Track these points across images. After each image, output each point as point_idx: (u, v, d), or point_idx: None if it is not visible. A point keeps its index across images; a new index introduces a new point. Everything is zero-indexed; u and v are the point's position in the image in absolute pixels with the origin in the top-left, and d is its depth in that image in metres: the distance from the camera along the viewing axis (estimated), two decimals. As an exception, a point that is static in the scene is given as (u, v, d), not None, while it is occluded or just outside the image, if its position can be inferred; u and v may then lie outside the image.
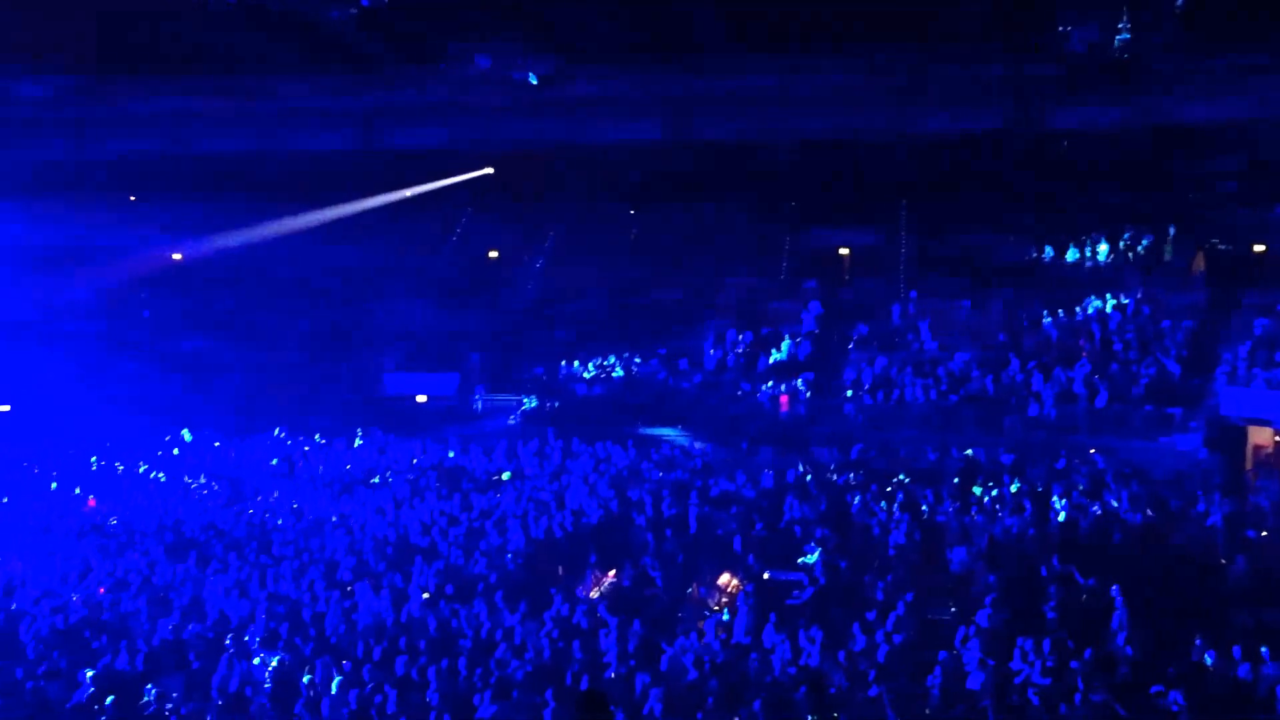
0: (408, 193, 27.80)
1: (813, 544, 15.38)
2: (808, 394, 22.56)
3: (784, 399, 22.40)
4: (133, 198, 29.38)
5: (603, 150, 25.68)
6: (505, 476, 19.60)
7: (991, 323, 24.06)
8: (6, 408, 25.22)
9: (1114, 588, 12.81)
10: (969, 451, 19.20)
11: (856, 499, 16.99)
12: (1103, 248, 26.17)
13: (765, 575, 14.84)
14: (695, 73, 21.42)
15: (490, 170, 27.70)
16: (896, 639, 12.28)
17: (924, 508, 16.61)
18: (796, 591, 14.20)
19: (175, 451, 22.70)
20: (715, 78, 21.51)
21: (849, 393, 22.47)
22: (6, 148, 25.80)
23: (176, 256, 28.05)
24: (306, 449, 22.17)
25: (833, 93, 21.44)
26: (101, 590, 14.92)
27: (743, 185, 26.51)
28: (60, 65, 21.92)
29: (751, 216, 28.09)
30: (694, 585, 14.90)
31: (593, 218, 29.23)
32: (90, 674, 12.33)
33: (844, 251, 28.42)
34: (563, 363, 25.12)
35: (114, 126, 28.21)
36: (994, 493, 17.14)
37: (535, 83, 21.26)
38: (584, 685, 11.35)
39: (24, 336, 26.82)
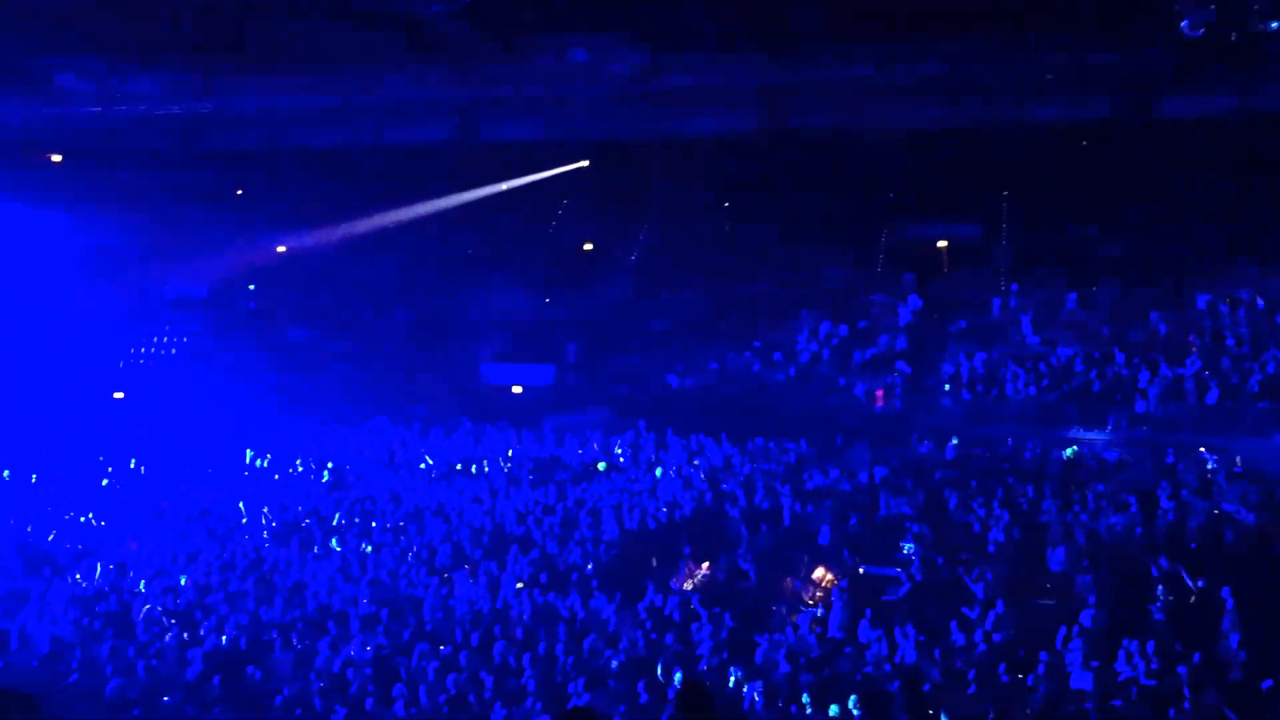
0: (504, 186, 28.11)
1: (909, 539, 15.20)
2: (904, 388, 22.23)
3: (879, 393, 22.11)
4: (239, 191, 30.20)
5: (698, 142, 25.65)
6: (601, 467, 19.68)
7: (1096, 317, 23.42)
8: (121, 395, 26.16)
9: (1224, 589, 12.42)
10: (1072, 448, 18.75)
11: (954, 495, 16.70)
12: (1214, 239, 25.28)
13: (860, 570, 14.72)
14: (791, 63, 21.17)
15: (585, 163, 27.87)
16: (996, 637, 12.08)
17: (1024, 504, 16.28)
18: (893, 587, 14.05)
19: (280, 439, 23.23)
20: (812, 68, 21.24)
21: (947, 387, 22.10)
22: (120, 141, 26.73)
23: (281, 249, 28.73)
24: (406, 438, 22.54)
25: (934, 82, 21.02)
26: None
27: (839, 177, 26.21)
28: (171, 63, 22.57)
29: (848, 209, 27.72)
30: (787, 579, 14.83)
31: (687, 210, 29.18)
32: (199, 653, 12.76)
33: (942, 244, 27.93)
34: (657, 355, 25.13)
35: (221, 122, 29.05)
36: (1098, 490, 16.70)
37: (631, 75, 21.29)
38: (676, 677, 11.40)
39: (137, 327, 27.79)
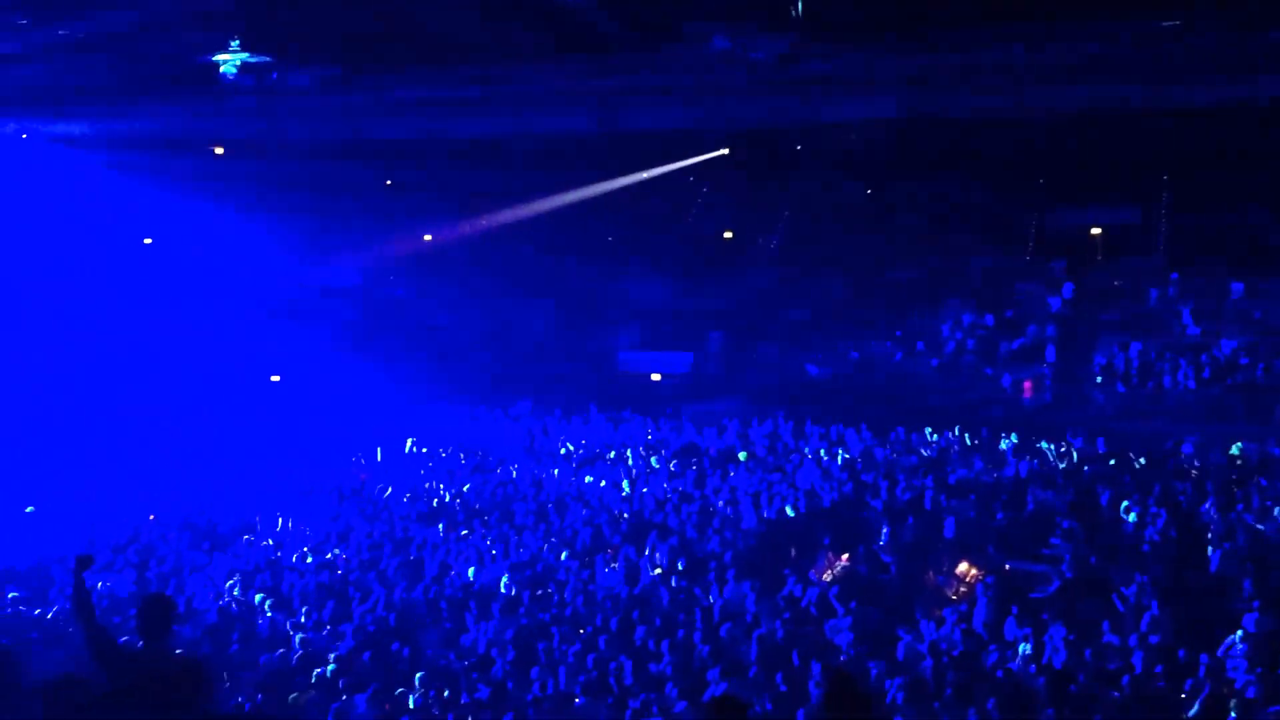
0: (644, 175, 28.23)
1: (1058, 536, 14.74)
2: (1054, 380, 21.55)
3: (1028, 385, 21.49)
4: (388, 181, 31.04)
5: (839, 128, 25.29)
6: (743, 457, 19.63)
7: (1263, 307, 22.26)
8: (278, 378, 27.26)
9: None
10: (1237, 445, 17.89)
11: (1107, 491, 16.11)
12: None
13: (1006, 566, 14.34)
14: (935, 46, 20.66)
15: (725, 151, 27.77)
16: (1152, 640, 11.62)
17: (1182, 502, 15.60)
18: (1041, 584, 13.65)
19: (426, 423, 23.87)
20: (956, 51, 20.68)
21: (1099, 379, 21.33)
22: (280, 132, 27.75)
23: (428, 238, 29.45)
24: (546, 423, 22.91)
25: (1088, 63, 20.24)
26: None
27: (986, 162, 25.51)
28: (328, 56, 23.30)
29: (995, 195, 26.99)
30: (930, 573, 14.54)
31: (829, 197, 28.83)
32: (350, 629, 13.23)
33: (1096, 231, 26.94)
34: (796, 343, 24.94)
35: (373, 113, 29.84)
36: (1263, 488, 15.88)
37: (771, 62, 21.09)
38: (815, 668, 11.30)
39: (292, 314, 28.86)
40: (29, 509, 18.33)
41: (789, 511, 16.40)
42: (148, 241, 29.20)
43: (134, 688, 5.66)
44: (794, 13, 19.58)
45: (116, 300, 27.51)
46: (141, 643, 6.02)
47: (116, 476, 20.38)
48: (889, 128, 23.92)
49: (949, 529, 15.20)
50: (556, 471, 19.80)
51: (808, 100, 22.80)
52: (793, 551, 15.39)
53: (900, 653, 11.72)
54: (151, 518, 17.34)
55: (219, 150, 31.01)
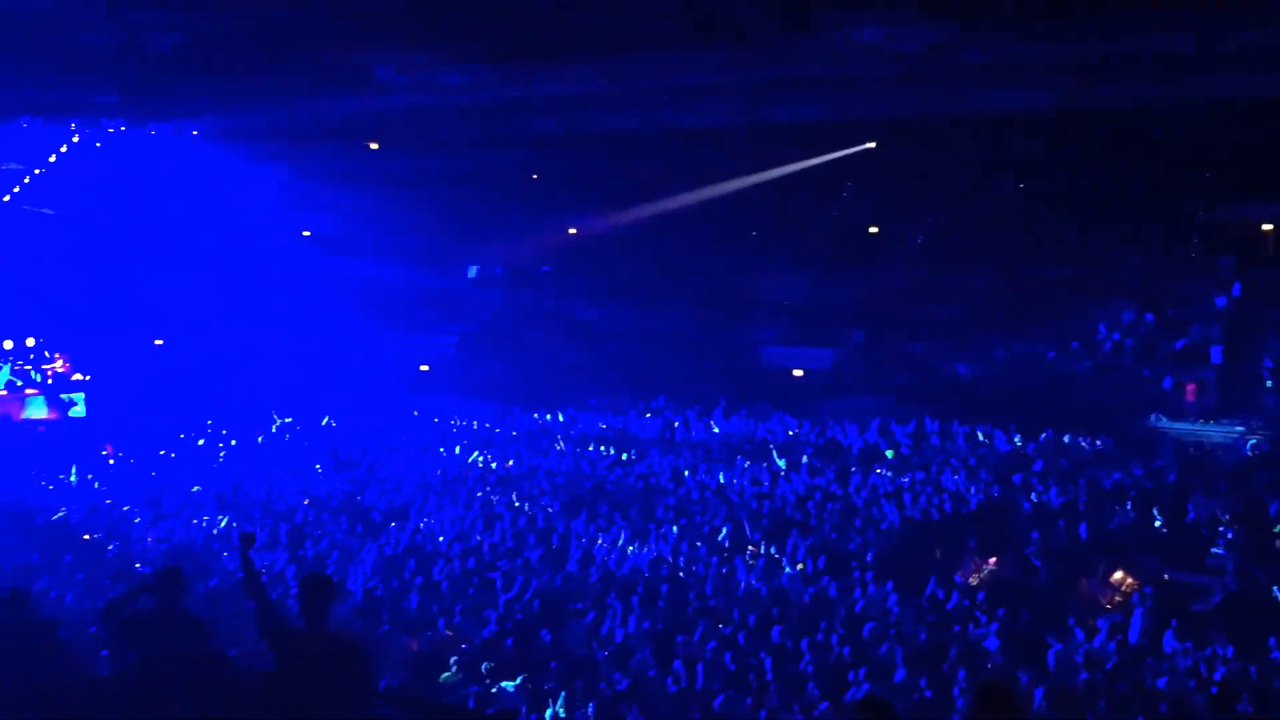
0: (790, 168, 27.97)
1: (1221, 546, 14.07)
2: (1219, 383, 20.56)
3: (1191, 387, 20.55)
4: (535, 175, 31.52)
5: (991, 120, 24.58)
6: (890, 454, 19.32)
7: None
8: (426, 367, 28.02)
9: None
10: None
11: (1275, 501, 15.30)
12: None
13: (1165, 576, 13.75)
14: (1096, 34, 19.88)
15: (872, 145, 27.31)
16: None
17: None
18: (1203, 596, 13.05)
19: (570, 413, 24.19)
20: (1119, 39, 19.87)
21: (1269, 383, 20.26)
22: (435, 130, 28.49)
23: (573, 231, 29.80)
24: (687, 417, 22.95)
25: (1259, 50, 19.20)
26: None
27: (1147, 154, 24.45)
28: (479, 56, 23.76)
29: (1155, 189, 25.85)
30: (1083, 580, 14.05)
31: (979, 191, 28.07)
32: (494, 614, 13.48)
33: (1267, 227, 25.57)
34: (943, 341, 24.39)
35: (522, 110, 30.31)
36: None
37: (922, 53, 20.62)
38: (961, 675, 11.04)
39: (443, 306, 29.61)
40: (195, 489, 19.26)
41: (933, 512, 16.07)
42: (306, 234, 30.31)
43: (298, 665, 5.87)
44: (948, 2, 19.13)
45: (276, 291, 28.68)
46: (303, 621, 6.23)
47: (270, 460, 21.26)
48: (1044, 119, 23.13)
49: (1103, 535, 14.66)
50: (697, 466, 19.81)
51: (960, 92, 22.25)
52: (937, 553, 15.08)
53: (1051, 661, 11.35)
54: (306, 501, 17.95)
55: (374, 145, 31.99)
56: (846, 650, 12.04)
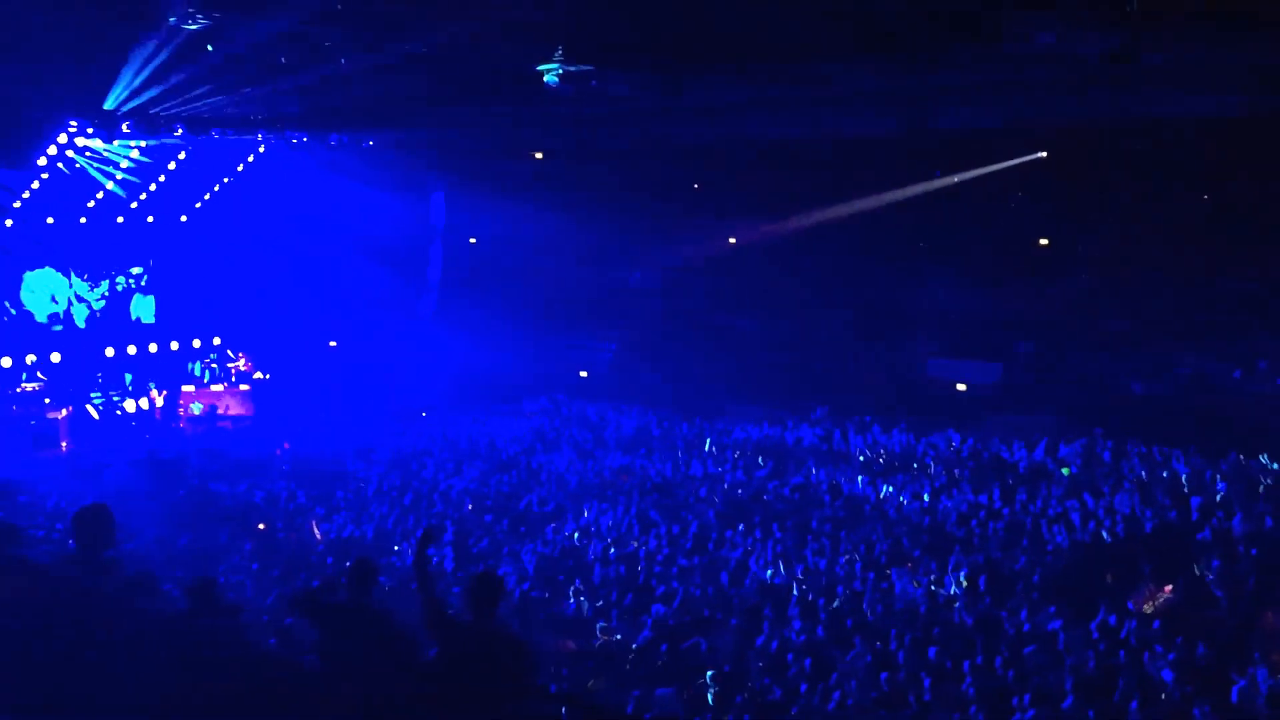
0: (955, 178, 27.34)
1: None
2: None
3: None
4: (695, 185, 31.63)
5: (1173, 127, 23.48)
6: (1066, 472, 18.66)
7: None
8: (585, 374, 28.43)
9: None
10: None
11: None
12: None
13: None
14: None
15: (1043, 154, 26.44)
16: None
17: None
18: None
19: (725, 423, 24.15)
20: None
21: None
22: (598, 138, 28.91)
23: (732, 240, 29.77)
24: (845, 429, 22.64)
25: None
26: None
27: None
28: (643, 65, 23.99)
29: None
30: (1269, 614, 13.25)
31: (1158, 201, 26.84)
32: (649, 620, 13.56)
33: None
34: (1117, 357, 23.41)
35: (683, 118, 30.46)
36: None
37: (1101, 58, 19.84)
38: (1133, 706, 10.57)
39: (600, 312, 29.98)
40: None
41: (1105, 535, 15.43)
42: (472, 241, 31.13)
43: (463, 659, 6.03)
44: (1129, 6, 18.35)
45: (446, 298, 29.58)
46: (469, 617, 6.39)
47: (433, 459, 21.87)
48: (1230, 124, 21.98)
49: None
50: (856, 479, 19.53)
51: (1140, 98, 21.33)
52: (1109, 578, 14.46)
53: (1234, 696, 10.76)
54: (470, 507, 18.40)
55: (538, 155, 32.67)
56: (1010, 674, 11.68)
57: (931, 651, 12.26)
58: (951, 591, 14.22)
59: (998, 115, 23.63)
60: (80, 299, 26.37)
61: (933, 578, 14.56)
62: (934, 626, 13.06)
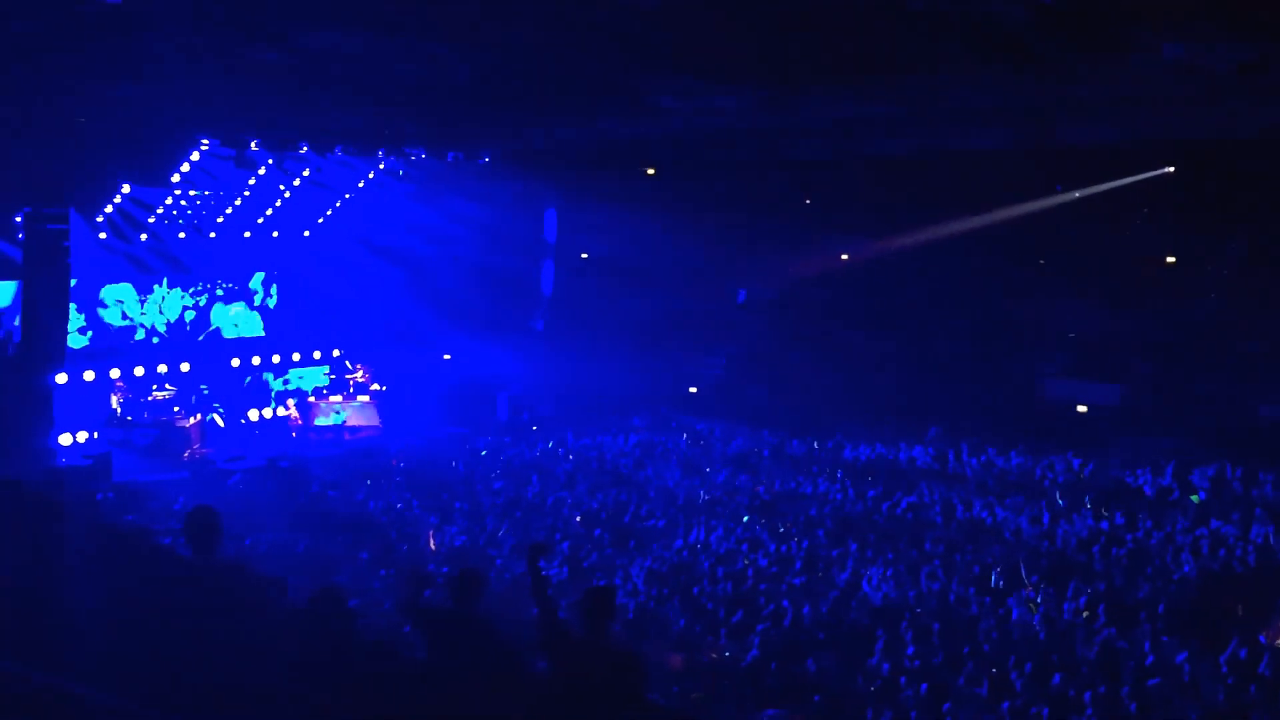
0: (1076, 193, 26.68)
1: None
2: None
3: None
4: (808, 200, 31.44)
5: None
6: (1195, 499, 18.01)
7: None
8: (694, 389, 28.42)
9: None
10: None
11: None
12: None
13: None
14: None
15: (1170, 169, 25.63)
16: None
17: None
18: None
19: (836, 441, 23.88)
20: None
21: None
22: (707, 151, 29.00)
23: (844, 256, 29.50)
24: (960, 449, 22.20)
25: None
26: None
27: None
28: (752, 80, 23.95)
29: None
30: None
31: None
32: (757, 639, 13.43)
33: None
34: (1248, 380, 22.51)
35: (793, 134, 30.31)
36: None
37: (1232, 71, 19.15)
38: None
39: (711, 328, 29.96)
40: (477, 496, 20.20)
41: (1236, 565, 14.81)
42: (584, 257, 31.41)
43: (578, 674, 6.05)
44: (1262, 17, 17.68)
45: (557, 313, 29.91)
46: (583, 632, 6.42)
47: (545, 473, 22.08)
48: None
49: None
50: (970, 500, 19.12)
51: (1274, 110, 20.53)
52: (1239, 610, 13.87)
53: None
54: (578, 519, 18.52)
55: (650, 171, 32.85)
56: (1134, 706, 11.28)
57: (1054, 680, 11.91)
58: (1071, 619, 13.79)
59: (1122, 129, 23.00)
60: (195, 308, 27.47)
61: (1052, 604, 14.15)
62: (1053, 654, 12.69)
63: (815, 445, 23.67)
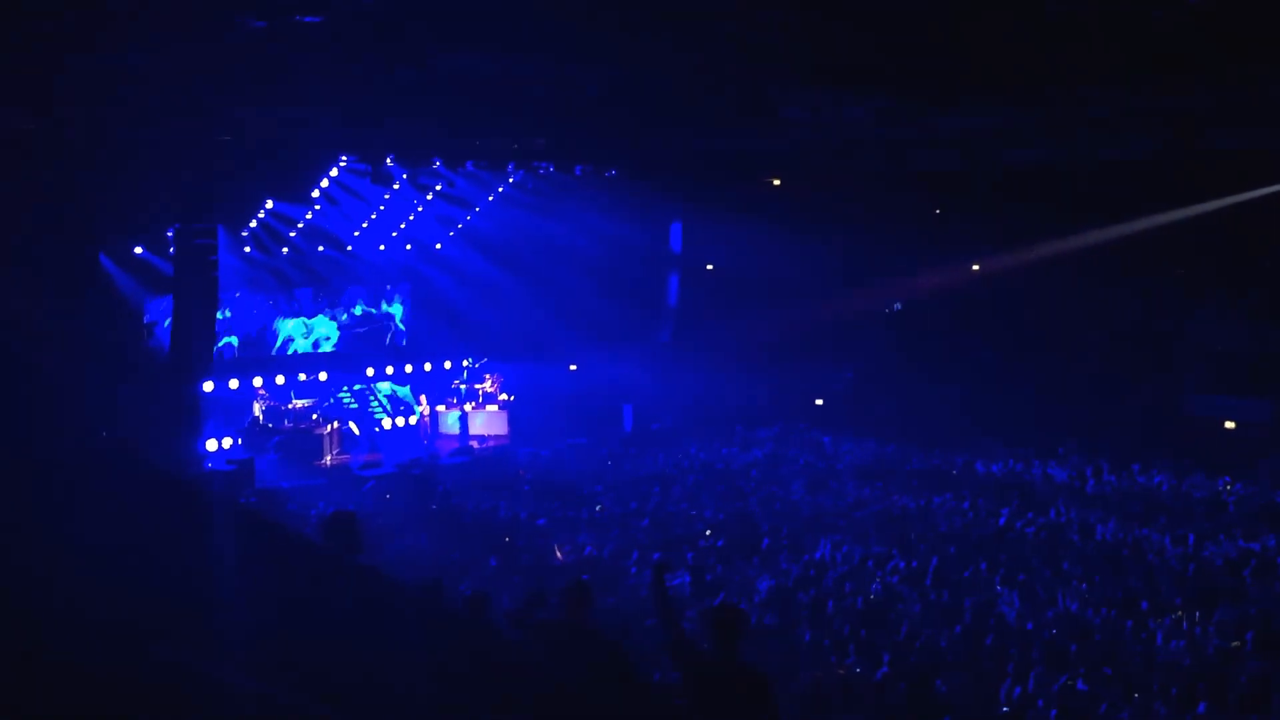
0: (1222, 202, 25.61)
1: None
2: None
3: None
4: (938, 210, 30.90)
5: None
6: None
7: None
8: (820, 402, 28.15)
9: None
10: None
11: None
12: None
13: None
14: None
15: (1327, 176, 24.42)
16: None
17: None
18: None
19: (966, 458, 23.37)
20: None
21: None
22: (834, 162, 28.81)
23: (975, 267, 28.86)
24: (1097, 467, 21.50)
25: None
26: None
27: None
28: (880, 91, 23.69)
29: None
30: None
31: None
32: (887, 657, 13.20)
33: None
34: None
35: (922, 144, 29.90)
36: None
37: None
38: None
39: (839, 340, 29.64)
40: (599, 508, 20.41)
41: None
42: (709, 268, 31.45)
43: (708, 692, 6.04)
44: None
45: (683, 325, 30.00)
46: (712, 651, 6.39)
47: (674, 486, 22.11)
48: None
49: None
50: (1109, 519, 18.48)
51: None
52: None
53: None
54: (708, 533, 18.51)
55: (776, 182, 32.72)
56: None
57: (1200, 708, 11.43)
58: (1219, 645, 13.21)
59: (1272, 136, 22.03)
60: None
61: (1197, 629, 13.58)
62: (1199, 681, 12.17)
63: (945, 460, 23.21)
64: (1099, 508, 19.32)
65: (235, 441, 24.83)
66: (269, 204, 24.80)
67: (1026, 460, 22.83)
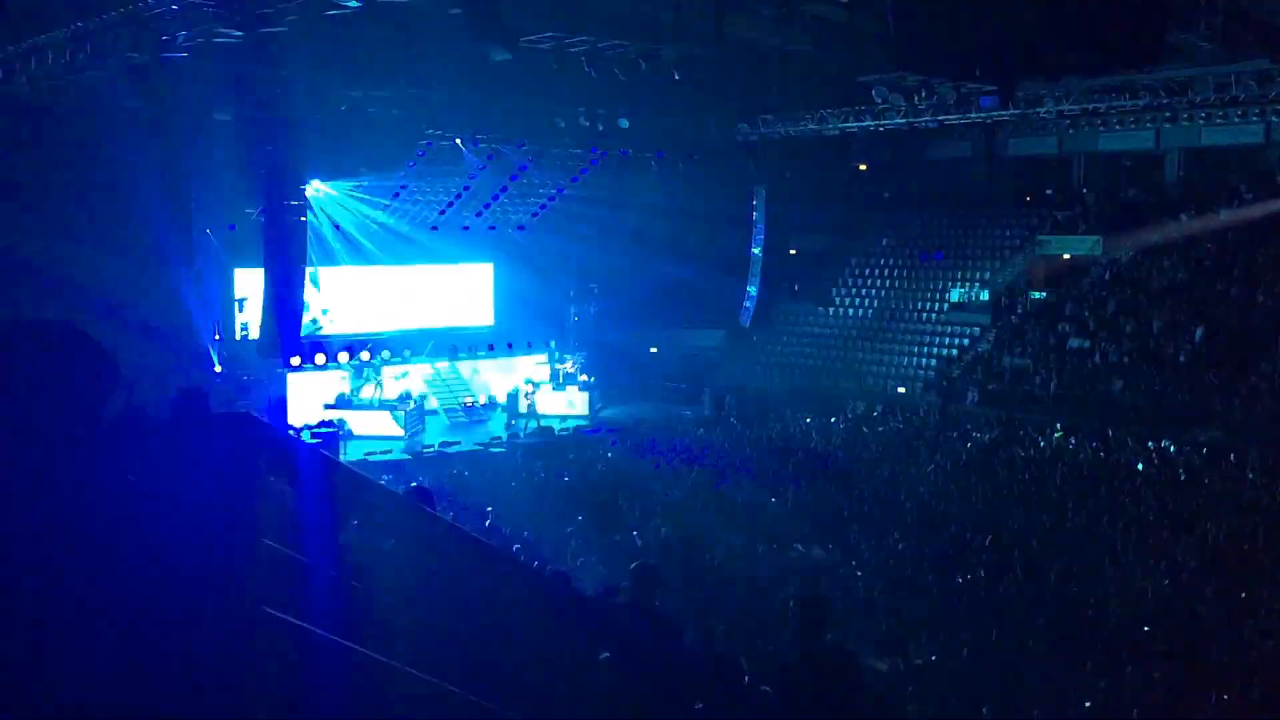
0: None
1: None
2: None
3: None
4: (1028, 197, 30.28)
5: None
6: None
7: None
8: (903, 389, 27.73)
9: None
10: None
11: None
12: None
13: None
14: None
15: None
16: None
17: None
18: None
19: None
20: None
21: None
22: (921, 146, 28.32)
23: (1066, 256, 28.12)
24: (1193, 462, 20.82)
25: None
26: None
27: None
28: (979, 75, 23.19)
29: None
30: None
31: None
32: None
33: None
34: None
35: (1017, 130, 29.32)
36: None
37: None
38: None
39: (921, 328, 29.16)
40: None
41: None
42: (793, 253, 31.25)
43: (793, 685, 5.97)
44: None
45: (766, 306, 29.80)
46: (797, 640, 6.31)
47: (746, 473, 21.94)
48: None
49: None
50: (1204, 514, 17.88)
51: None
52: None
53: None
54: (782, 510, 18.38)
55: (862, 167, 32.34)
56: None
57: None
58: None
59: None
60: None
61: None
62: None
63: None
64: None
65: (321, 416, 25.06)
66: (361, 181, 25.30)
67: (1121, 452, 22.16)
